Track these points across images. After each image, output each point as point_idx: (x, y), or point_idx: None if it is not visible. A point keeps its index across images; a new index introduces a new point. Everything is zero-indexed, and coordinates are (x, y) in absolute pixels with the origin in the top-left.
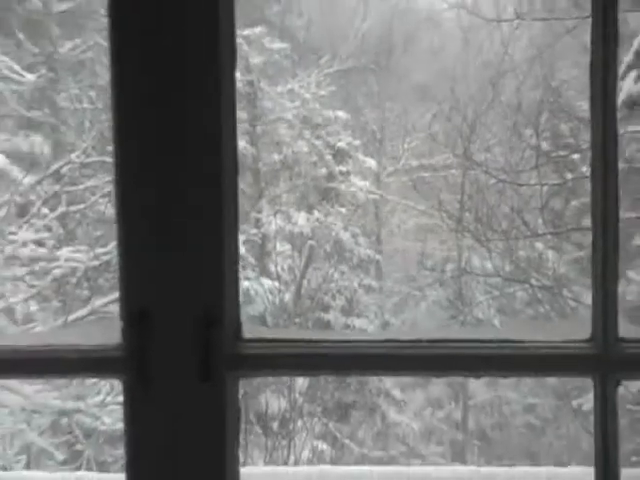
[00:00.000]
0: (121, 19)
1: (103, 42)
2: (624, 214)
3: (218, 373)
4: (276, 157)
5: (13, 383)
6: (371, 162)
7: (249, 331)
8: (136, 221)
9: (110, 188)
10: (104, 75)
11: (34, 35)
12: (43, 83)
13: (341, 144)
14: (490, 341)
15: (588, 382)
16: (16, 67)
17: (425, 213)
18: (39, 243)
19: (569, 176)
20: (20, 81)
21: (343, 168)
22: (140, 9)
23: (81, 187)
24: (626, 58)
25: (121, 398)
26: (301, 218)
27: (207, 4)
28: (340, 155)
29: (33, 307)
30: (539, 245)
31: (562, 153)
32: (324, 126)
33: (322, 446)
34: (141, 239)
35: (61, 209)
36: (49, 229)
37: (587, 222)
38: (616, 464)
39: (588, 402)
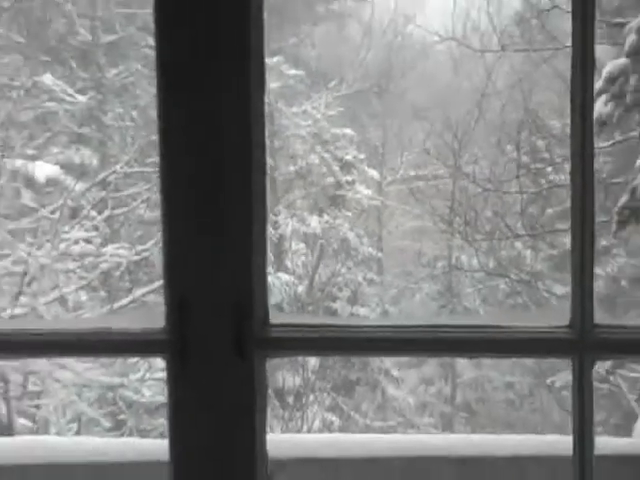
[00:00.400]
0: (166, 49)
1: (143, 69)
2: None
3: (249, 353)
4: (291, 168)
5: (67, 361)
6: (373, 173)
7: (274, 317)
8: (177, 223)
9: (148, 194)
10: (144, 97)
11: (84, 63)
12: (92, 104)
13: (348, 157)
14: (478, 326)
15: (560, 363)
16: (69, 90)
17: (420, 217)
18: (88, 241)
19: (545, 185)
20: (72, 102)
21: (349, 178)
22: (181, 40)
23: (124, 193)
24: (596, 84)
25: (158, 374)
26: (313, 221)
27: (240, 35)
28: (346, 167)
29: (83, 297)
30: (518, 245)
31: (539, 166)
32: (333, 142)
33: (331, 417)
34: (182, 238)
35: (107, 212)
36: (96, 229)
37: (560, 225)
38: (591, 433)
39: (560, 380)
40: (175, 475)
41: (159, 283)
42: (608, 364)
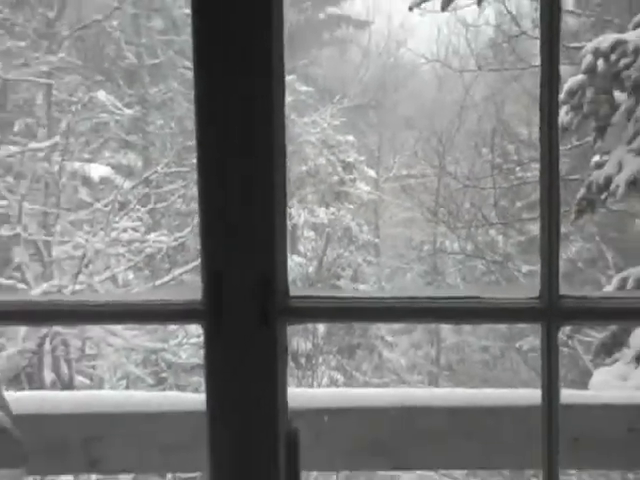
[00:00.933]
0: (201, 70)
1: (179, 87)
2: None
3: (272, 320)
4: (303, 168)
5: (117, 329)
6: (371, 172)
7: (293, 290)
8: (212, 213)
9: (184, 191)
10: (180, 110)
11: (131, 81)
12: (137, 115)
13: (349, 159)
14: (459, 297)
15: (527, 329)
16: (118, 104)
17: (410, 209)
18: (134, 230)
19: (514, 182)
20: (121, 114)
21: (351, 176)
22: (214, 63)
23: (164, 190)
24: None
25: (193, 340)
26: (321, 212)
27: (265, 59)
28: (348, 167)
29: (130, 275)
30: (492, 232)
31: (509, 166)
32: (337, 146)
33: (336, 375)
34: (216, 225)
35: (150, 206)
36: (141, 220)
37: (526, 215)
38: (557, 386)
39: (527, 343)
40: (211, 423)
41: (193, 264)
42: (567, 330)
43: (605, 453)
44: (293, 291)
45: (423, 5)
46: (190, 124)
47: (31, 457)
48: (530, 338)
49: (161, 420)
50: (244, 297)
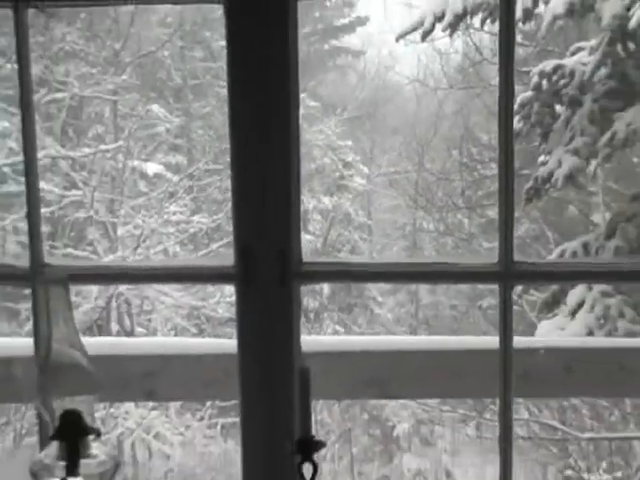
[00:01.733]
0: (235, 90)
1: (216, 103)
2: None
3: (289, 281)
4: (312, 166)
5: (168, 290)
6: (365, 169)
7: (305, 259)
8: (243, 200)
9: (219, 183)
10: (217, 120)
11: (178, 98)
12: (183, 124)
13: (348, 159)
14: (434, 263)
15: (487, 290)
16: (168, 116)
17: (396, 198)
18: (181, 213)
19: (477, 177)
20: (170, 122)
21: (349, 172)
22: (245, 84)
23: (204, 182)
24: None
25: (227, 299)
26: (326, 200)
27: (285, 81)
28: (347, 165)
29: (178, 249)
30: (459, 215)
31: (473, 164)
32: (338, 149)
33: (338, 328)
34: (246, 209)
35: (193, 195)
36: (186, 205)
37: (486, 202)
38: (511, 335)
39: (486, 302)
40: (241, 362)
41: (227, 240)
42: (518, 290)
43: (547, 386)
44: (305, 259)
45: (407, 37)
46: (224, 131)
47: (101, 388)
48: (488, 298)
49: (201, 360)
50: (267, 264)
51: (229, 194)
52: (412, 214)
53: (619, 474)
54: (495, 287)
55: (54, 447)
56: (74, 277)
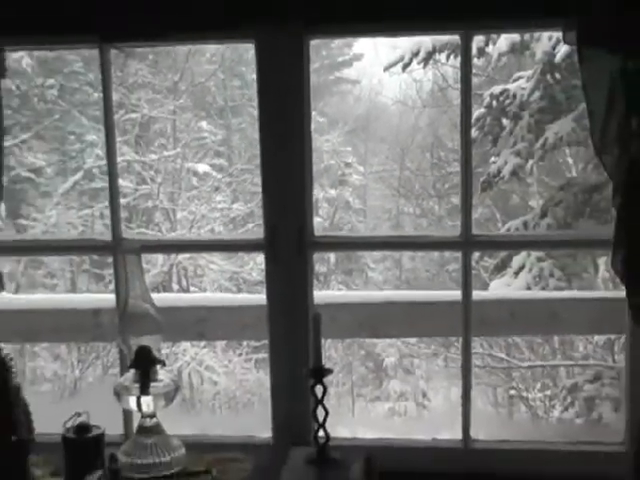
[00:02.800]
0: (263, 109)
1: (250, 120)
2: None
3: (304, 251)
4: (321, 166)
5: (215, 259)
6: (360, 168)
7: (317, 234)
8: (269, 190)
9: (251, 179)
10: (249, 132)
11: (221, 116)
12: (224, 136)
13: (348, 160)
14: (413, 236)
15: (453, 256)
16: (213, 129)
17: (383, 189)
18: (224, 202)
19: (444, 173)
20: (215, 135)
21: (349, 171)
22: (269, 106)
23: (240, 179)
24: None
25: (259, 266)
26: (332, 192)
27: (300, 104)
28: (347, 165)
29: (222, 229)
30: (431, 202)
31: (442, 163)
32: (340, 153)
33: (342, 287)
34: (274, 197)
35: (232, 188)
36: (227, 196)
37: (451, 192)
38: (470, 290)
39: (452, 266)
40: (269, 311)
41: (258, 222)
42: (476, 257)
43: (496, 327)
44: (316, 234)
45: (391, 69)
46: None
47: (165, 331)
48: (453, 264)
49: (239, 311)
50: (288, 238)
51: (259, 187)
52: (396, 201)
53: (548, 392)
54: (458, 255)
55: (131, 374)
56: (145, 249)
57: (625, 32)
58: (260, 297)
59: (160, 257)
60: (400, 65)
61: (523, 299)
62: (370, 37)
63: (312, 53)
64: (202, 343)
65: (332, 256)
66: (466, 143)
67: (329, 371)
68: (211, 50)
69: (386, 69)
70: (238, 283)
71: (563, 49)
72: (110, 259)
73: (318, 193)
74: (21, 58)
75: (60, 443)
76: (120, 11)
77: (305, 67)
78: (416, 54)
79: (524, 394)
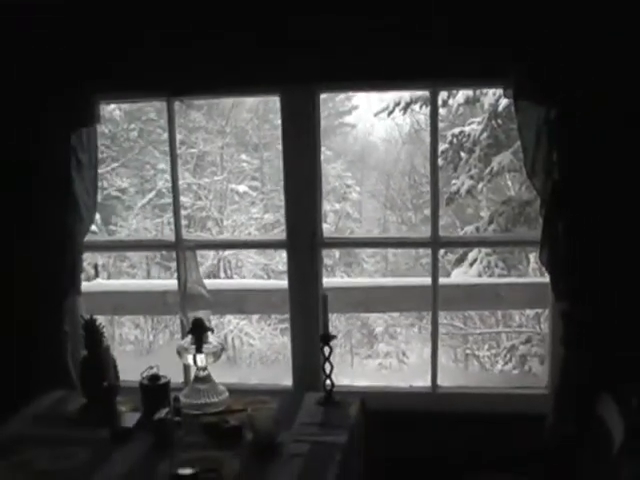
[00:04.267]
0: (286, 145)
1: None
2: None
3: (316, 248)
4: (329, 187)
5: (250, 254)
6: (357, 188)
7: (325, 236)
8: (290, 204)
9: (278, 197)
10: (277, 163)
11: (255, 150)
12: (258, 165)
13: (349, 183)
14: (395, 237)
15: (425, 252)
16: (249, 160)
17: (375, 204)
18: (257, 213)
19: (419, 192)
20: (251, 164)
21: (349, 190)
22: (291, 142)
23: (269, 197)
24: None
25: (283, 260)
26: (337, 205)
27: (313, 141)
28: (348, 186)
29: (257, 232)
30: (410, 213)
31: (417, 185)
32: (343, 177)
33: (344, 275)
34: (292, 208)
35: (264, 203)
36: (260, 209)
37: (424, 206)
38: (437, 277)
39: (425, 260)
40: (290, 294)
41: (282, 227)
42: (442, 253)
43: (456, 304)
44: (325, 236)
45: (379, 115)
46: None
47: (214, 306)
48: (425, 258)
49: (269, 292)
50: (304, 238)
51: (283, 202)
52: (384, 212)
53: (493, 351)
54: (428, 251)
55: (189, 338)
56: (199, 247)
57: (547, 91)
58: (282, 283)
59: (211, 253)
60: (386, 112)
61: (476, 284)
62: (365, 92)
63: (322, 104)
64: (242, 316)
65: (336, 252)
66: (434, 170)
67: (334, 337)
68: (249, 102)
69: (376, 114)
70: (268, 272)
71: (503, 102)
72: (174, 254)
73: (326, 206)
74: (112, 110)
75: (138, 388)
76: (185, 76)
77: (317, 115)
78: (398, 104)
79: (476, 353)
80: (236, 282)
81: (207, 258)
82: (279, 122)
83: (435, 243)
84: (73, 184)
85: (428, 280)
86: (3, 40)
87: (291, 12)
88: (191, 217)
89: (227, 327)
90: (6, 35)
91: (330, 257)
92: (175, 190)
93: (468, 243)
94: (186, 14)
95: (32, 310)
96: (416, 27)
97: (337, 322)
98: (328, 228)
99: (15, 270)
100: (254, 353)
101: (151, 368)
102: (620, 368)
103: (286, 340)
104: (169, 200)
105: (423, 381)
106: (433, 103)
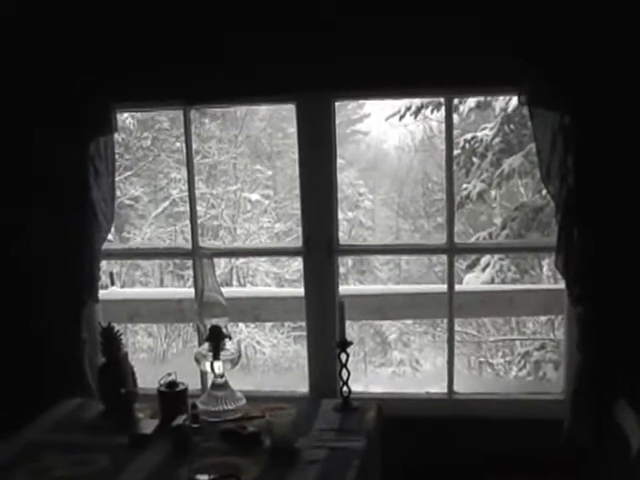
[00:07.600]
0: (301, 154)
1: (290, 162)
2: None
3: (332, 255)
4: (342, 195)
5: (262, 262)
6: (370, 196)
7: (341, 243)
8: (306, 212)
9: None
10: (291, 171)
11: (270, 160)
12: (271, 174)
13: (361, 190)
14: (409, 244)
15: (440, 260)
16: (264, 170)
17: (387, 212)
18: (269, 222)
19: (432, 199)
20: (264, 173)
21: (362, 198)
22: (307, 152)
23: (282, 205)
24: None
25: (294, 269)
26: (350, 214)
27: (329, 151)
28: (361, 194)
29: (269, 241)
30: (422, 221)
31: (430, 192)
32: (357, 185)
33: (358, 283)
34: (307, 217)
35: (276, 211)
36: (272, 218)
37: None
38: (453, 282)
39: (438, 267)
40: (306, 300)
41: (296, 235)
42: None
43: (471, 311)
44: (340, 243)
45: (390, 121)
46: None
47: (230, 314)
48: (439, 265)
49: (283, 300)
50: (320, 246)
51: (295, 211)
52: (396, 220)
53: (508, 358)
54: (441, 259)
55: (206, 345)
56: (214, 254)
57: (562, 97)
58: (298, 290)
59: (222, 261)
60: (398, 116)
61: (489, 290)
62: (380, 99)
63: (337, 112)
64: (255, 324)
65: (349, 260)
66: (449, 175)
67: (350, 343)
68: (262, 110)
69: (387, 119)
70: (279, 280)
71: (512, 105)
72: (188, 263)
73: (340, 214)
74: (125, 118)
75: (156, 395)
76: (202, 84)
77: (332, 122)
78: (409, 109)
79: (490, 360)
80: (252, 290)
81: (218, 267)
82: (292, 130)
83: (451, 250)
84: (91, 192)
85: (444, 287)
86: (24, 51)
87: (303, 25)
88: (204, 226)
89: (240, 335)
90: (27, 46)
91: (343, 265)
92: (192, 198)
93: (484, 249)
94: (203, 23)
95: (50, 318)
96: (431, 35)
97: (350, 330)
98: (341, 236)
99: (33, 278)
100: (267, 361)
101: (169, 375)
102: (637, 374)
103: (299, 348)
104: (182, 209)
105: (438, 389)
106: (448, 111)
